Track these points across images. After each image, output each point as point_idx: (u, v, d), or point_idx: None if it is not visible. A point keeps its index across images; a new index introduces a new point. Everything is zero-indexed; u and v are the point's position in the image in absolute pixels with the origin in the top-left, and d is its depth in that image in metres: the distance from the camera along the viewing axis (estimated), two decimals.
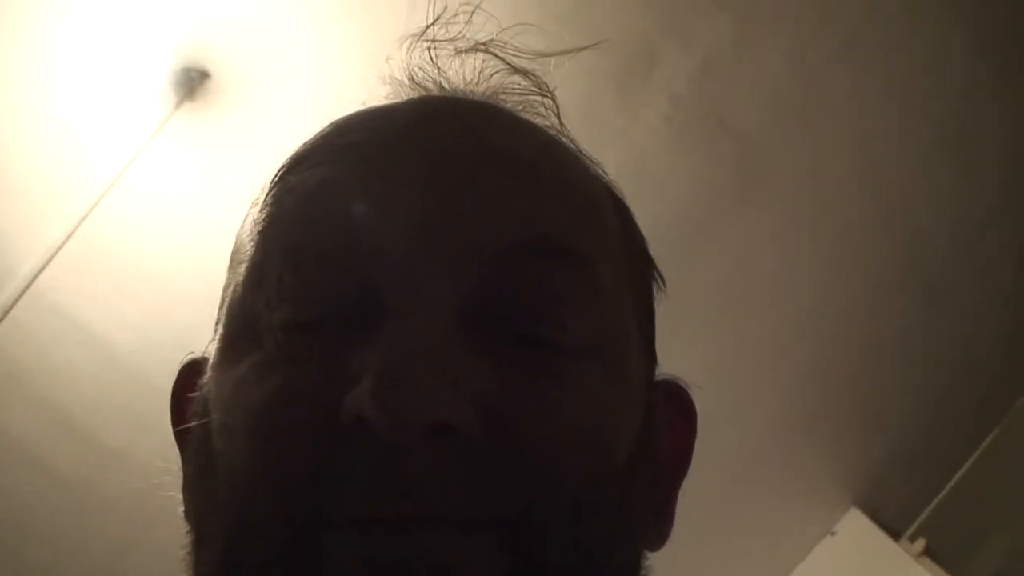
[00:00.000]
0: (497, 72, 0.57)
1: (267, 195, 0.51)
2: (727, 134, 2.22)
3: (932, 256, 2.44)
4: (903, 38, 2.15)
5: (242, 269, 0.50)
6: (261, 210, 0.51)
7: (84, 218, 2.13)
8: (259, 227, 0.50)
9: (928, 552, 2.62)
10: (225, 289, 0.52)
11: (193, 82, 2.12)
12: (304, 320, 0.45)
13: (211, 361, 0.50)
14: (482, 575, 0.40)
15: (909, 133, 2.27)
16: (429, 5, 0.59)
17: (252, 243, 0.50)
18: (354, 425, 0.40)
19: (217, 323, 0.52)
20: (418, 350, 0.41)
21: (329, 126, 0.53)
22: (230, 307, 0.50)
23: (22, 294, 2.12)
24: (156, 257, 2.33)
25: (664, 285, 0.57)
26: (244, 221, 0.54)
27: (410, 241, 0.45)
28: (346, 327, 0.44)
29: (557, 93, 0.58)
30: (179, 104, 2.14)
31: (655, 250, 0.57)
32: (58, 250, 2.12)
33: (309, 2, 2.07)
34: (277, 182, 0.51)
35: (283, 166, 0.52)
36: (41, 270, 2.13)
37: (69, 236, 2.12)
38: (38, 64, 2.13)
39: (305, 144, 0.53)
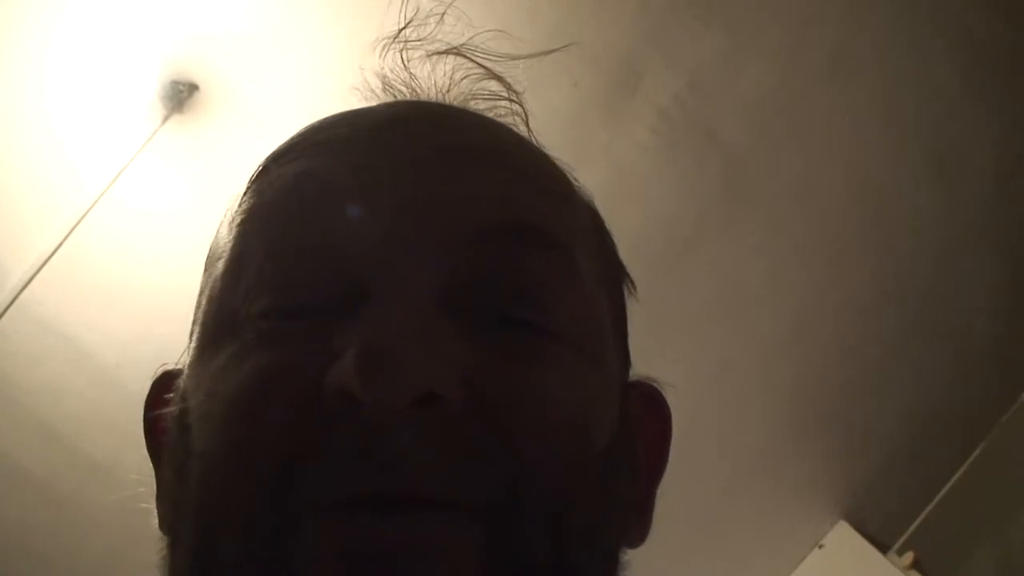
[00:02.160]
0: (467, 77, 0.58)
1: (245, 192, 0.52)
2: (714, 148, 2.23)
3: (918, 270, 2.45)
4: (889, 53, 2.16)
5: (220, 265, 0.50)
6: (239, 207, 0.51)
7: (71, 231, 2.12)
8: (238, 222, 0.50)
9: (916, 565, 2.61)
10: (200, 293, 0.52)
11: (182, 95, 2.12)
12: (284, 307, 0.45)
13: (188, 361, 0.50)
14: (462, 564, 0.40)
15: (896, 146, 2.28)
16: (401, 10, 0.59)
17: (231, 239, 0.50)
18: (337, 401, 0.40)
19: (193, 325, 0.52)
20: (402, 326, 0.41)
21: (306, 127, 0.54)
22: (207, 305, 0.50)
23: (8, 307, 2.11)
24: (143, 270, 2.32)
25: (635, 290, 0.58)
26: (221, 225, 0.54)
27: (390, 226, 0.45)
28: (327, 313, 0.44)
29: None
30: (167, 117, 2.14)
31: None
32: (45, 263, 2.12)
33: (298, 15, 2.07)
34: (255, 179, 0.52)
35: (261, 164, 0.53)
36: (27, 283, 2.12)
37: (56, 249, 2.12)
38: (26, 77, 2.12)
39: (283, 143, 0.53)
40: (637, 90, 2.14)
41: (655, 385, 0.58)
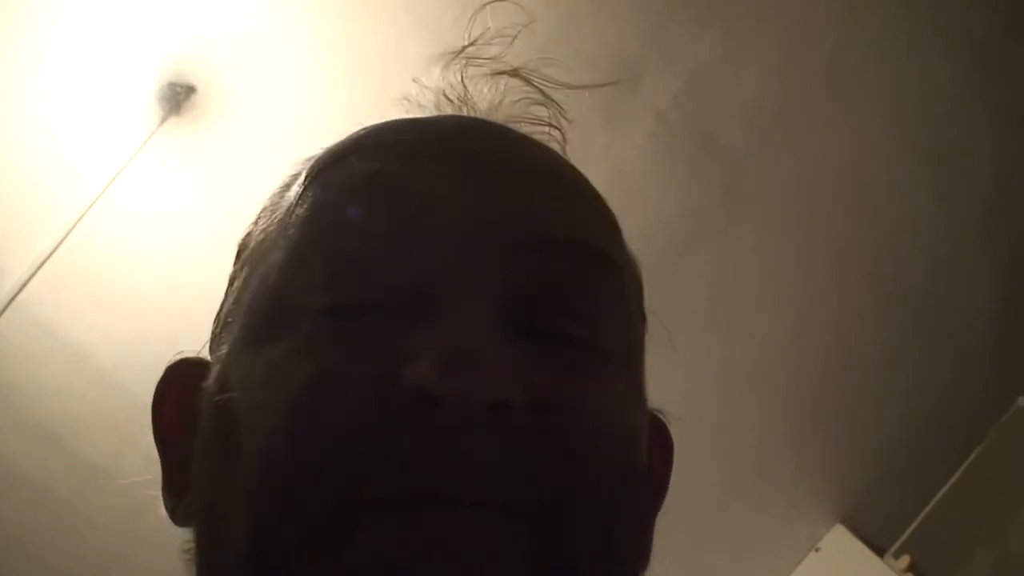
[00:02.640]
0: (518, 100, 0.59)
1: (309, 183, 0.51)
2: (712, 151, 2.23)
3: (917, 271, 2.45)
4: (888, 54, 2.16)
5: (273, 256, 0.49)
6: (302, 197, 0.51)
7: (69, 232, 2.12)
8: (302, 213, 0.50)
9: (912, 568, 2.62)
10: (245, 281, 0.52)
11: (179, 97, 2.12)
12: (347, 305, 0.45)
13: (230, 348, 0.49)
14: (506, 564, 0.41)
15: (895, 147, 2.28)
16: (467, 27, 0.60)
17: (292, 229, 0.50)
18: (413, 399, 0.41)
19: (231, 313, 0.51)
20: (476, 333, 0.42)
21: (365, 128, 0.54)
22: (257, 296, 0.49)
23: (6, 308, 2.11)
24: (141, 271, 2.32)
25: (648, 329, 0.58)
26: (260, 215, 0.54)
27: (459, 234, 0.46)
28: (390, 313, 0.45)
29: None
30: (165, 119, 2.14)
31: (641, 265, 0.57)
32: (43, 264, 2.12)
33: (295, 18, 2.07)
34: (320, 171, 0.52)
35: (323, 158, 0.53)
36: (25, 284, 2.12)
37: (54, 250, 2.12)
38: (25, 78, 2.12)
39: (343, 142, 0.54)
40: (636, 92, 2.14)
41: (662, 417, 0.58)
